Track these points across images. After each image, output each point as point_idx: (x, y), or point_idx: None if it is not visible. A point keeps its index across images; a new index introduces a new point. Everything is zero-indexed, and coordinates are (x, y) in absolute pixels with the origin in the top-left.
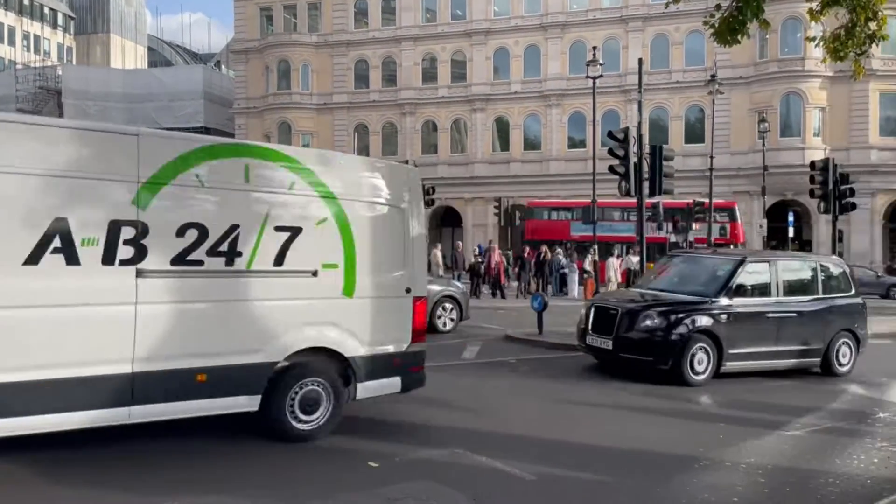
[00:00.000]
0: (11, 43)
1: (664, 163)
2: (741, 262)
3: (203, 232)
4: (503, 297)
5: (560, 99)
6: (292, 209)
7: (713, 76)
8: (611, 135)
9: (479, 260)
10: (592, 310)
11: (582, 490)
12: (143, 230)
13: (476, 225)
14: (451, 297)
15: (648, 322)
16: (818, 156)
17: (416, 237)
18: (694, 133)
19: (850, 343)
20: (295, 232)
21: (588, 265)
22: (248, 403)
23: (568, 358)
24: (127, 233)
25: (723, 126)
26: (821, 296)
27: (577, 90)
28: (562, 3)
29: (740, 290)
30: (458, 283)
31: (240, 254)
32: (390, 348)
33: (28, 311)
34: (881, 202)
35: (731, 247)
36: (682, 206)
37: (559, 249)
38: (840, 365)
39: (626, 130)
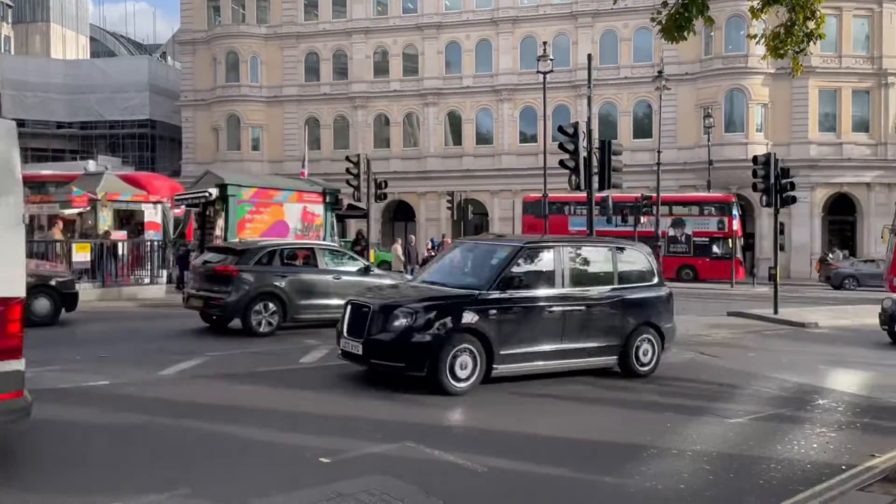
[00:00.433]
0: None
1: (613, 157)
2: (519, 249)
3: None
4: None
5: (511, 94)
6: None
7: (660, 72)
8: (561, 129)
9: (433, 254)
10: (348, 307)
11: (533, 480)
12: None
13: (429, 219)
14: None
15: (400, 321)
16: (761, 150)
17: None
18: (642, 128)
19: (652, 339)
20: None
21: None
22: None
23: None
24: None
25: (670, 121)
26: (618, 286)
27: (528, 85)
28: None
29: (516, 281)
30: (409, 278)
31: None
32: None
33: None
34: (820, 195)
35: (729, 241)
36: (630, 200)
37: None
38: (641, 364)
39: (575, 125)
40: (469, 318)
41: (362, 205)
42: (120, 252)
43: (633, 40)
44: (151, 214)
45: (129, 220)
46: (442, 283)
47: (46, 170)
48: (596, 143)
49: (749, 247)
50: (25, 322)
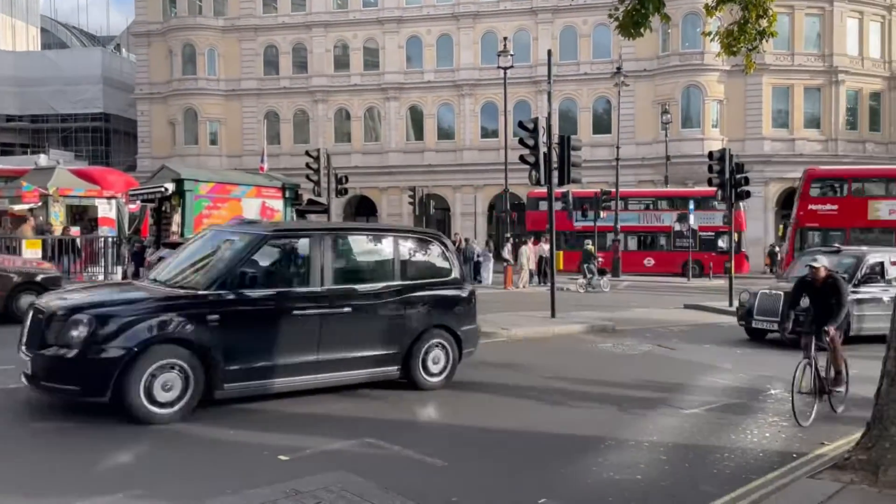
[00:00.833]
0: None
1: (572, 153)
2: (261, 239)
3: None
4: None
5: (473, 89)
6: None
7: (619, 68)
8: (521, 125)
9: None
10: (29, 312)
11: (492, 474)
12: None
13: (391, 214)
14: None
15: (79, 330)
16: (716, 146)
17: None
18: (601, 124)
19: (445, 344)
20: None
21: (506, 253)
22: None
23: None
24: None
25: (628, 117)
26: (400, 283)
27: (489, 80)
28: None
29: (253, 279)
30: None
31: None
32: None
33: None
34: (773, 190)
35: (736, 235)
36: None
37: (475, 238)
38: (429, 374)
39: (535, 121)
40: (177, 325)
41: (323, 200)
42: (75, 248)
43: (592, 37)
44: (105, 210)
45: (82, 215)
46: (166, 282)
47: None
48: (556, 139)
49: None
50: (11, 318)
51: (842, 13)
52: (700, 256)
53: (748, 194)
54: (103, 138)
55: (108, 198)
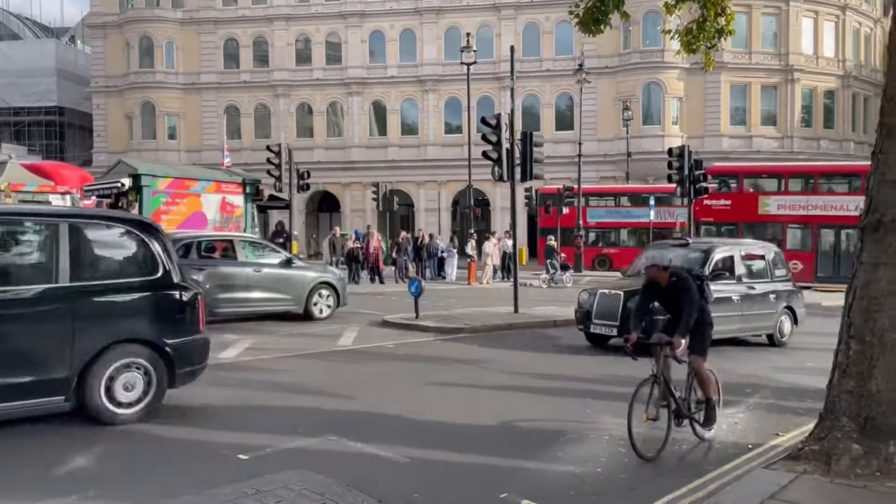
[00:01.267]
0: None
1: (535, 149)
2: None
3: None
4: (381, 282)
5: (436, 84)
6: None
7: (581, 65)
8: (484, 121)
9: (359, 245)
10: None
11: (455, 470)
12: None
13: (354, 210)
14: (327, 284)
15: None
16: (676, 143)
17: None
18: (564, 120)
19: (146, 364)
20: None
21: (470, 249)
22: None
23: (443, 341)
24: None
25: (590, 114)
26: (63, 285)
27: (452, 76)
28: None
29: None
30: (334, 270)
31: None
32: None
33: None
34: None
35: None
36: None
37: (439, 234)
38: (118, 404)
39: (498, 117)
40: None
41: (284, 195)
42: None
43: (554, 33)
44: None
45: None
46: None
47: None
48: (518, 135)
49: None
50: None
51: (797, 13)
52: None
53: (706, 190)
54: (57, 132)
55: (63, 193)
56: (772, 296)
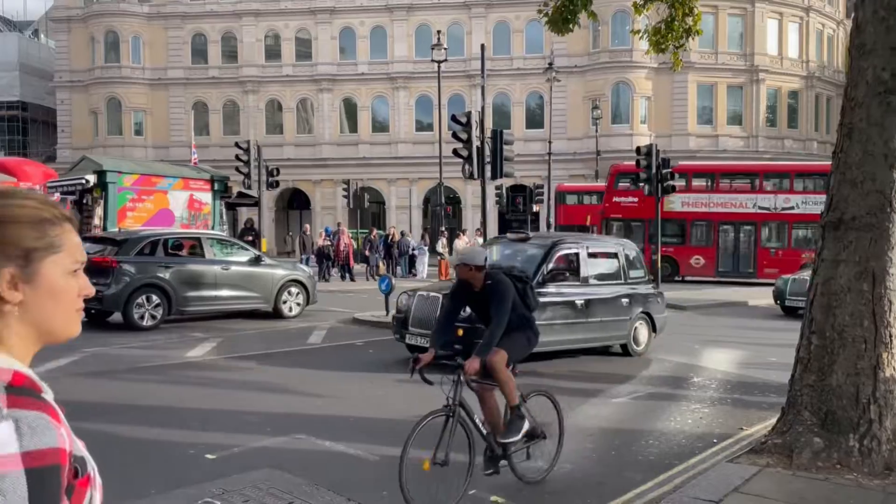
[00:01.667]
0: None
1: (504, 147)
2: None
3: None
4: (352, 279)
5: (407, 82)
6: None
7: (550, 64)
8: (454, 119)
9: (329, 243)
10: None
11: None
12: None
13: (325, 207)
14: (296, 282)
15: None
16: (644, 142)
17: None
18: (534, 119)
19: None
20: None
21: (441, 247)
22: None
23: None
24: None
25: (560, 112)
26: None
27: (423, 73)
28: None
29: None
30: (304, 267)
31: None
32: None
33: None
34: None
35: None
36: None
37: (410, 232)
38: None
39: (468, 115)
40: None
41: (253, 193)
42: None
43: (525, 32)
44: None
45: None
46: None
47: None
48: (489, 133)
49: None
50: None
51: (762, 14)
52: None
53: (674, 188)
54: (20, 127)
55: (26, 190)
56: (624, 300)
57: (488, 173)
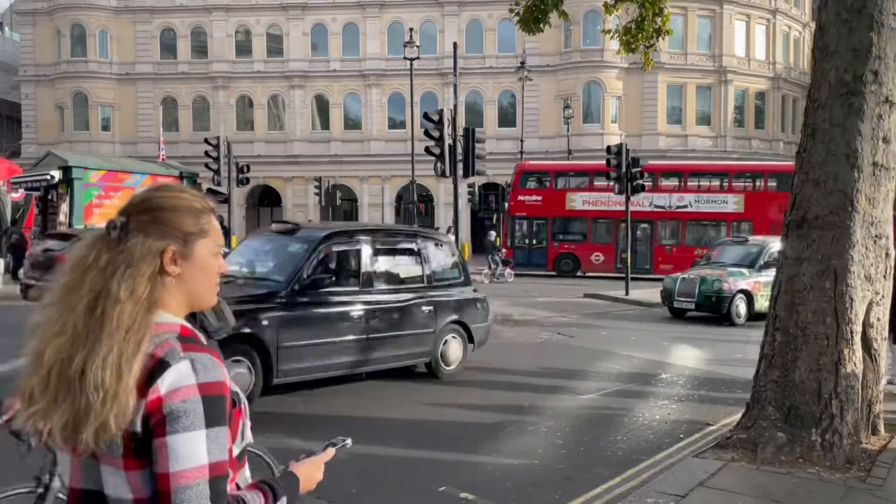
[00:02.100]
0: None
1: (477, 145)
2: None
3: None
4: None
5: (379, 79)
6: None
7: (523, 63)
8: (426, 116)
9: None
10: None
11: (394, 465)
12: None
13: (296, 205)
14: None
15: None
16: (615, 141)
17: None
18: (507, 117)
19: None
20: None
21: None
22: None
23: None
24: None
25: (532, 111)
26: None
27: (396, 71)
28: None
29: None
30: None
31: None
32: None
33: None
34: None
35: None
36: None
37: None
38: None
39: (440, 112)
40: None
41: (223, 189)
42: None
43: (497, 31)
44: None
45: None
46: None
47: None
48: (461, 131)
49: None
50: None
51: (730, 16)
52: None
53: (643, 187)
54: None
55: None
56: (427, 308)
57: (460, 171)
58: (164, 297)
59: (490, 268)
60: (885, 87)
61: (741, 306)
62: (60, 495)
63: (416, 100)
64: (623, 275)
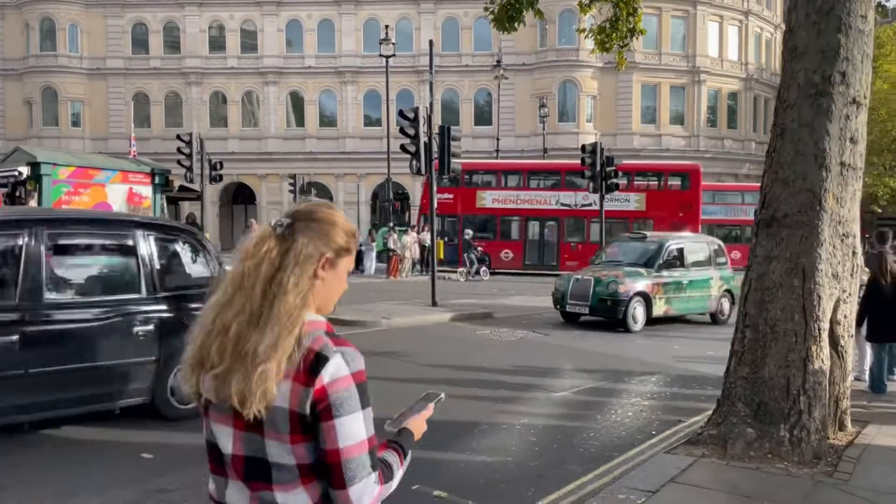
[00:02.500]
0: None
1: (452, 143)
2: None
3: None
4: None
5: (355, 76)
6: None
7: (499, 61)
8: (402, 114)
9: None
10: None
11: None
12: None
13: (271, 202)
14: None
15: None
16: (590, 140)
17: None
18: (483, 115)
19: None
20: None
21: (391, 243)
22: None
23: (359, 333)
24: None
25: (508, 110)
26: None
27: (371, 68)
28: None
29: None
30: None
31: None
32: None
33: None
34: None
35: (875, 233)
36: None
37: (358, 228)
38: None
39: (416, 110)
40: None
41: (196, 186)
42: None
43: (473, 29)
44: None
45: None
46: None
47: None
48: (436, 129)
49: None
50: None
51: (704, 16)
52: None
53: (617, 186)
54: None
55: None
56: (141, 329)
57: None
58: (310, 296)
59: (466, 266)
60: (852, 88)
61: (638, 310)
62: None
63: (391, 97)
64: (534, 272)
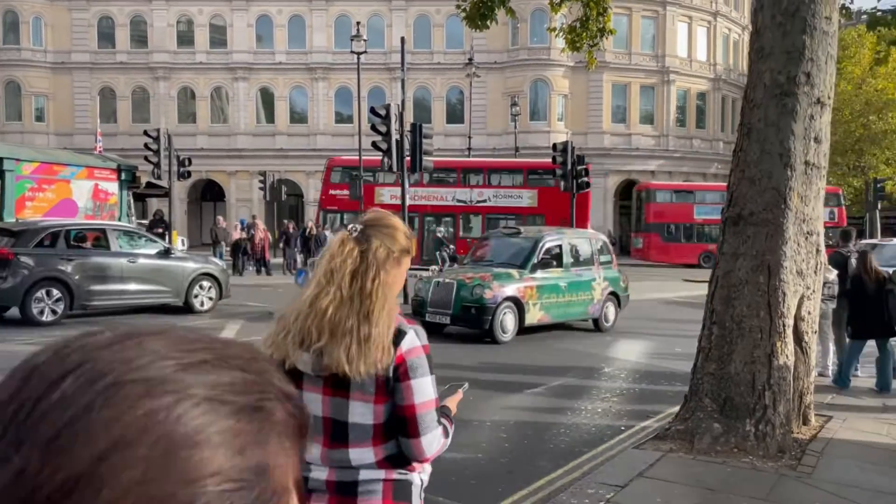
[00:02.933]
0: None
1: (424, 140)
2: None
3: None
4: (269, 273)
5: (326, 73)
6: None
7: (470, 59)
8: (373, 111)
9: (244, 235)
10: None
11: None
12: None
13: (240, 199)
14: (208, 275)
15: None
16: (561, 139)
17: None
18: (455, 113)
19: None
20: None
21: None
22: None
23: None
24: None
25: (480, 108)
26: None
27: (343, 65)
28: None
29: None
30: (216, 260)
31: None
32: None
33: None
34: (612, 182)
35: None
36: None
37: (328, 225)
38: None
39: (387, 107)
40: None
41: (163, 183)
42: None
43: (445, 26)
44: None
45: None
46: None
47: None
48: (408, 127)
49: None
50: None
51: (673, 17)
52: None
53: (588, 185)
54: None
55: None
56: None
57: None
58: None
59: (438, 264)
60: (816, 89)
61: (508, 318)
62: None
63: (363, 94)
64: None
